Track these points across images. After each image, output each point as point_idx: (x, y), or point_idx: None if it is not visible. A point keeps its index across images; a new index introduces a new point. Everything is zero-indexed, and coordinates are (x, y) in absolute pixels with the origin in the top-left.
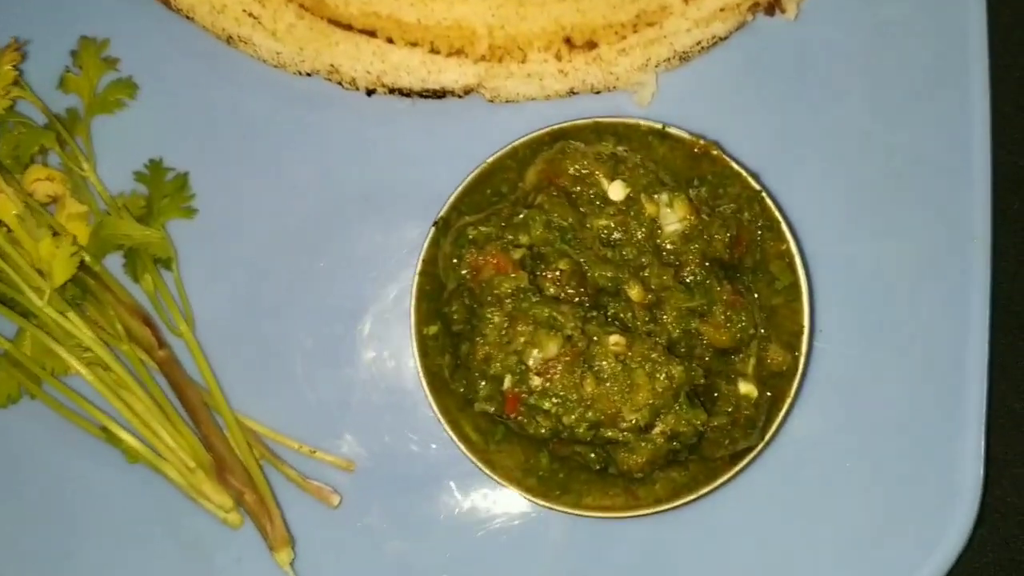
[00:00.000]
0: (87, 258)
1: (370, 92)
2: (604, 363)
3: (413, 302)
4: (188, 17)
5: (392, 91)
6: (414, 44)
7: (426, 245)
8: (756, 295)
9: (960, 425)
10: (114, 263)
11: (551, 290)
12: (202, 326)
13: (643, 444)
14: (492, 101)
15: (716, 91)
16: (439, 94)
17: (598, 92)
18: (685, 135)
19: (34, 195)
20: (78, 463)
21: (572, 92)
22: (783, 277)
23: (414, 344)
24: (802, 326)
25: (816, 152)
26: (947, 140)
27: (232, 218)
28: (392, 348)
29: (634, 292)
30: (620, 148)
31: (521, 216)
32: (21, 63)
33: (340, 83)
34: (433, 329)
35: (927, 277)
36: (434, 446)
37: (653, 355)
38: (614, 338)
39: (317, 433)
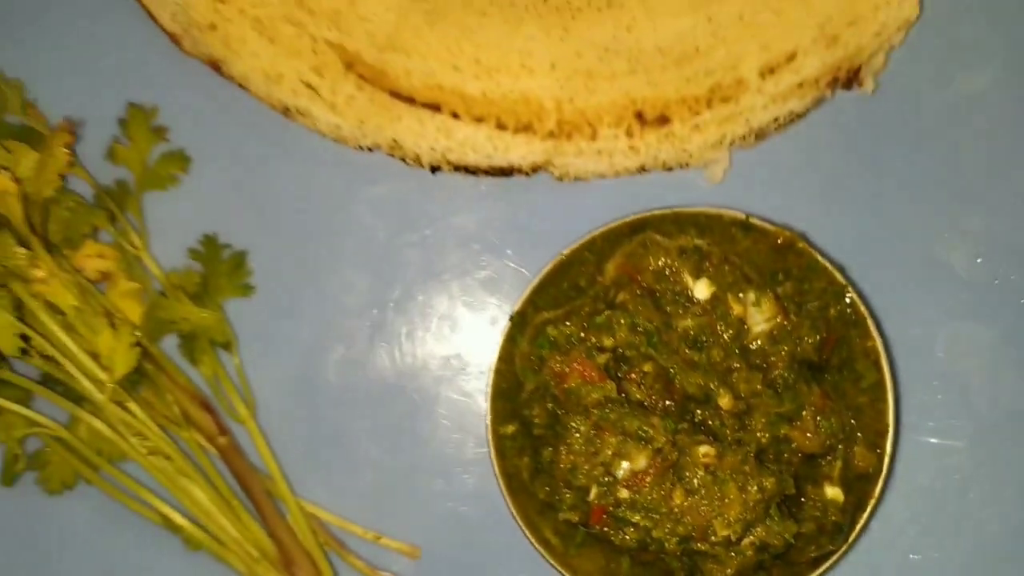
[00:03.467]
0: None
1: (435, 169)
2: (694, 474)
3: (488, 402)
4: (242, 86)
5: (457, 168)
6: (480, 119)
7: (501, 341)
8: (842, 394)
9: None
10: (169, 342)
11: (636, 393)
12: (262, 409)
13: (732, 555)
14: (561, 179)
15: (792, 172)
16: (506, 172)
17: (670, 169)
18: (769, 227)
19: (84, 272)
20: (136, 550)
21: (643, 169)
22: (868, 375)
23: (491, 446)
24: (887, 425)
25: (899, 237)
26: None
27: (291, 296)
28: (463, 435)
29: (724, 400)
30: (703, 241)
31: (604, 317)
32: (74, 144)
33: (403, 159)
34: (510, 429)
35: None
36: (504, 538)
37: (745, 467)
38: (703, 448)
39: (382, 519)
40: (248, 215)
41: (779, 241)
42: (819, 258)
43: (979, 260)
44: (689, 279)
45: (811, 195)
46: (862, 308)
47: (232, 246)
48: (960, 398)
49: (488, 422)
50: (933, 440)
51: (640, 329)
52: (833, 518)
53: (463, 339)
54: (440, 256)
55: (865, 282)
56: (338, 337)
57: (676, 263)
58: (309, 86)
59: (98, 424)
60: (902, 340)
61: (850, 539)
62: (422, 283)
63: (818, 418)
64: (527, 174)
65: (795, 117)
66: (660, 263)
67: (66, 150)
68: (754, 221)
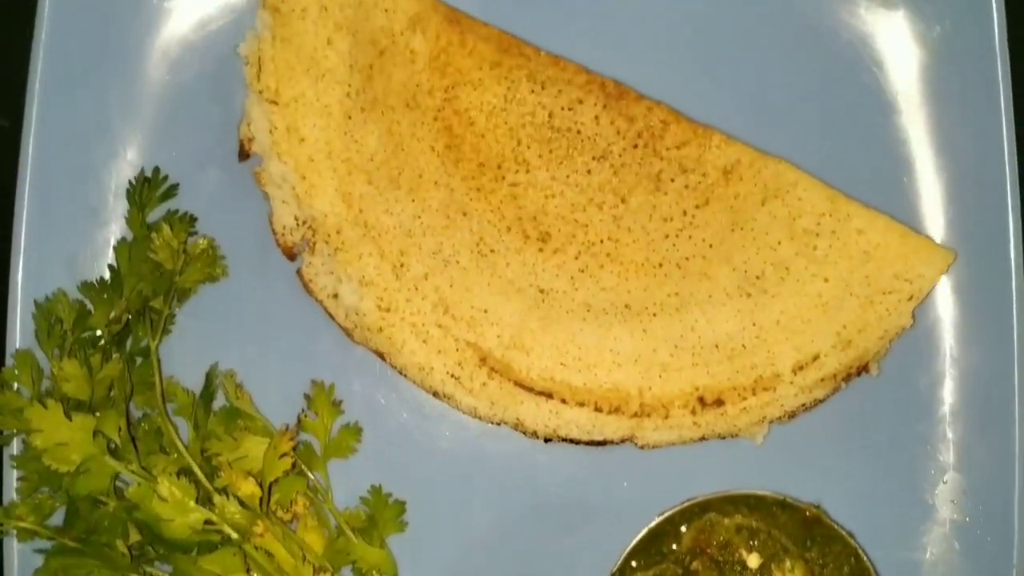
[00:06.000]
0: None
1: (547, 440)
2: None
3: None
4: (401, 373)
5: (564, 440)
6: (582, 404)
7: None
8: None
9: None
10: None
11: None
12: None
13: None
14: (642, 447)
15: (814, 442)
16: (601, 443)
17: (723, 438)
18: (800, 504)
19: (278, 513)
20: None
21: (703, 438)
22: None
23: None
24: None
25: (896, 488)
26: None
27: (437, 532)
28: None
29: None
30: (752, 520)
31: None
32: (294, 449)
33: (524, 432)
34: None
35: None
36: None
37: None
38: None
39: None
40: (406, 471)
41: (807, 514)
42: (837, 528)
43: (954, 502)
44: (744, 551)
45: (827, 458)
46: (867, 563)
47: (393, 494)
48: None
49: None
50: None
51: None
52: None
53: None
54: (551, 508)
55: (862, 525)
56: (477, 564)
57: (734, 539)
58: (453, 376)
59: None
60: (896, 563)
61: None
62: (536, 529)
63: None
64: (616, 443)
65: (818, 402)
66: (722, 539)
67: (288, 455)
68: (789, 500)
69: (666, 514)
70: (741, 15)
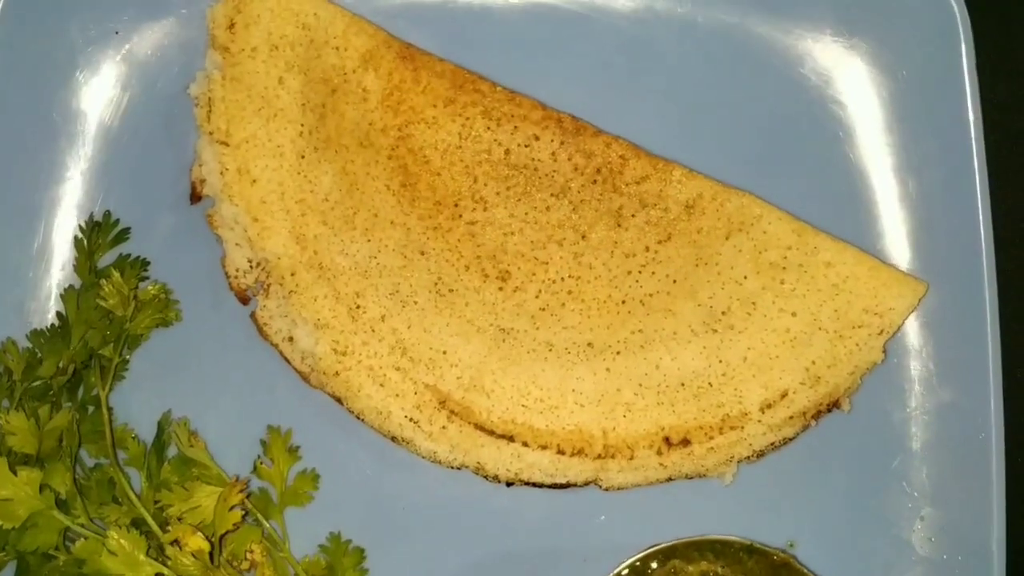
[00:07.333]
0: None
1: (509, 484)
2: None
3: None
4: (359, 418)
5: (526, 483)
6: (544, 447)
7: None
8: None
9: None
10: None
11: None
12: None
13: None
14: (607, 490)
15: (785, 481)
16: (564, 486)
17: (690, 478)
18: (768, 549)
19: (235, 562)
20: None
21: (670, 479)
22: None
23: None
24: None
25: (872, 525)
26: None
27: None
28: None
29: None
30: (718, 567)
31: None
32: (248, 496)
33: (485, 477)
34: None
35: None
36: None
37: None
38: None
39: None
40: (366, 517)
41: (776, 559)
42: (807, 573)
43: (932, 539)
44: None
45: (798, 498)
46: None
47: (352, 541)
48: None
49: None
50: None
51: None
52: None
53: None
54: (513, 554)
55: (835, 566)
56: None
57: None
58: (411, 420)
59: None
60: None
61: None
62: (503, 569)
63: None
64: (580, 486)
65: (787, 440)
66: None
67: (239, 508)
68: (756, 545)
69: (629, 560)
70: (700, 46)
